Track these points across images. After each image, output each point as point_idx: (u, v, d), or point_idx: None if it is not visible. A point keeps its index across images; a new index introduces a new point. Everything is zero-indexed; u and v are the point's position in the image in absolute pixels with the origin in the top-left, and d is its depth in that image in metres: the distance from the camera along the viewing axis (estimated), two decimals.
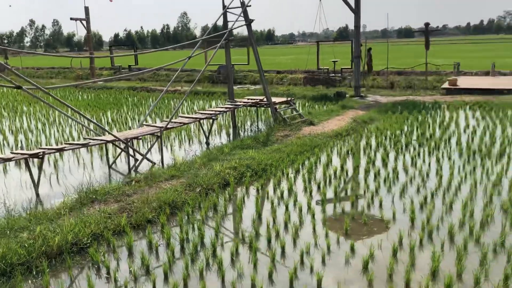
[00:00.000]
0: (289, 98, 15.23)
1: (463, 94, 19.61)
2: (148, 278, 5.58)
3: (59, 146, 9.16)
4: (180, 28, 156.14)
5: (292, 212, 7.48)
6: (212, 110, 13.22)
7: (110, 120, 16.73)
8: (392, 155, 10.59)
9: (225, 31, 13.53)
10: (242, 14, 13.58)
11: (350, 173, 9.47)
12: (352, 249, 6.07)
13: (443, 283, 5.08)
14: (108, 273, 5.77)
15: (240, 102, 14.35)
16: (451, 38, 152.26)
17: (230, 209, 7.78)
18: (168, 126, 11.19)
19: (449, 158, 10.14)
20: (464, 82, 21.23)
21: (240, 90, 25.53)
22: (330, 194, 8.22)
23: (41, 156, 8.76)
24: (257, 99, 14.59)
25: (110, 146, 11.55)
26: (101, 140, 9.89)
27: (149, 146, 12.50)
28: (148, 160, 10.73)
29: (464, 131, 12.75)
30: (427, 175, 9.06)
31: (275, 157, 10.38)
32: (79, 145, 9.47)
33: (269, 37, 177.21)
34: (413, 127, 13.43)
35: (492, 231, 6.43)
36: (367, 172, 9.37)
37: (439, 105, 17.23)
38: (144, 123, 11.81)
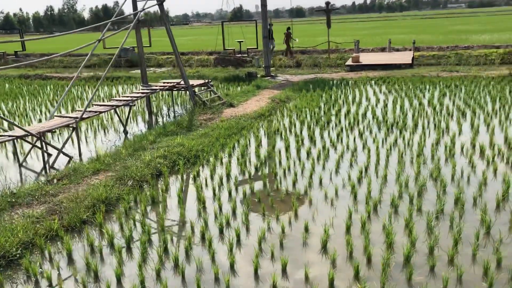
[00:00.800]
0: (206, 80, 14.85)
1: (366, 70, 20.69)
2: (99, 286, 5.08)
3: None
4: (66, 10, 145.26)
5: (235, 197, 7.30)
6: (128, 96, 12.44)
7: (6, 113, 15.06)
8: (317, 132, 10.81)
9: (136, 11, 12.69)
10: None
11: (284, 153, 9.48)
12: (307, 229, 6.08)
13: (401, 254, 5.28)
14: (50, 285, 5.15)
15: (156, 86, 13.67)
16: (340, 16, 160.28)
17: (171, 201, 7.37)
18: (84, 116, 10.30)
19: (370, 132, 10.61)
20: (365, 58, 22.41)
21: (136, 74, 24.43)
22: (265, 175, 8.17)
23: None
24: (174, 83, 14.02)
25: (18, 142, 10.38)
26: (10, 135, 8.81)
27: (62, 139, 11.47)
28: (65, 154, 9.82)
29: (376, 105, 13.42)
30: (355, 149, 9.38)
31: (204, 142, 10.07)
32: None
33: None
34: (329, 104, 13.85)
35: (430, 199, 6.83)
36: (299, 151, 9.45)
37: (347, 82, 17.98)
38: (55, 114, 10.74)
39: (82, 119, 10.28)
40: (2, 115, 13.97)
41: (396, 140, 9.83)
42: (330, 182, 7.74)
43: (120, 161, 9.06)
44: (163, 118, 13.79)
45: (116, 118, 13.52)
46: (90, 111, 10.63)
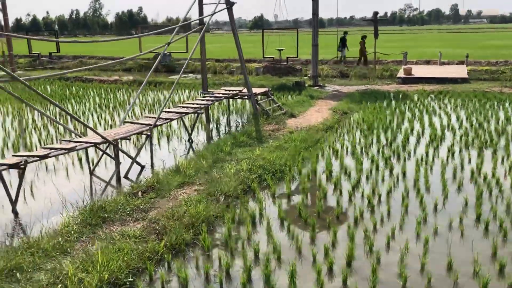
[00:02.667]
0: (267, 89, 14.20)
1: (419, 83, 19.88)
2: None
3: (42, 152, 7.39)
4: (91, 14, 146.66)
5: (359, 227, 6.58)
6: (194, 103, 11.82)
7: (58, 116, 14.60)
8: (399, 147, 10.03)
9: (206, 15, 12.11)
10: None
11: (373, 171, 8.73)
12: None
13: None
14: None
15: (219, 93, 13.05)
16: (359, 28, 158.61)
17: (274, 222, 6.65)
18: (157, 123, 9.70)
19: (460, 151, 9.81)
20: (417, 71, 21.60)
21: (185, 79, 23.97)
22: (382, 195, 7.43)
23: (22, 166, 6.97)
24: (236, 90, 13.40)
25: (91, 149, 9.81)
26: (87, 142, 8.22)
27: (126, 146, 10.90)
28: (138, 163, 9.22)
29: (448, 120, 12.59)
30: (456, 169, 8.59)
31: (284, 155, 9.35)
32: (64, 150, 7.74)
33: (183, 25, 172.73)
34: (398, 117, 13.07)
35: None
36: (388, 166, 8.69)
37: (404, 94, 17.19)
38: (125, 120, 10.16)
39: (155, 126, 9.68)
40: (55, 118, 13.48)
41: (500, 160, 9.01)
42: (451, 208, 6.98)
43: (202, 173, 8.42)
44: (221, 127, 13.15)
45: (175, 125, 12.93)
46: (160, 118, 10.00)
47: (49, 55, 35.66)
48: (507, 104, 14.66)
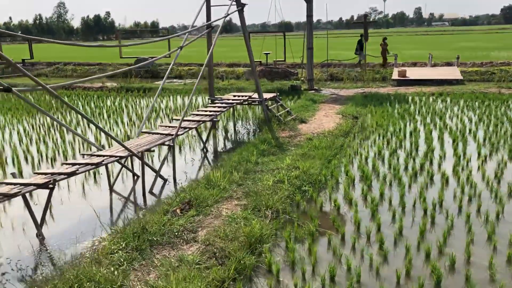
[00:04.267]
0: (275, 94, 13.69)
1: (414, 85, 19.81)
2: None
3: (67, 169, 6.64)
4: (55, 19, 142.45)
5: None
6: (207, 111, 11.18)
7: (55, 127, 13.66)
8: (424, 150, 9.72)
9: (218, 18, 11.49)
10: None
11: (407, 176, 8.34)
12: None
13: None
14: None
15: (228, 99, 12.44)
16: (330, 32, 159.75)
17: (335, 240, 6.14)
18: (178, 132, 9.04)
19: (490, 154, 9.56)
20: (411, 73, 21.54)
21: (174, 85, 23.23)
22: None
23: (51, 186, 6.22)
24: (246, 96, 12.83)
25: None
26: (112, 155, 7.50)
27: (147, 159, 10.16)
28: (161, 177, 8.54)
29: (461, 124, 12.41)
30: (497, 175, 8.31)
31: (314, 164, 8.85)
32: (92, 165, 7.00)
33: (153, 30, 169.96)
34: (415, 120, 12.82)
35: None
36: (424, 172, 8.34)
37: (404, 96, 17.02)
38: (142, 130, 9.44)
39: (177, 135, 9.01)
40: (73, 130, 12.62)
41: None
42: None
43: (236, 185, 7.83)
44: (227, 135, 12.56)
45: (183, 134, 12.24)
46: (180, 127, 9.32)
47: (22, 61, 34.07)
48: None
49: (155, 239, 5.79)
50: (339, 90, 20.07)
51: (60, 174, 6.42)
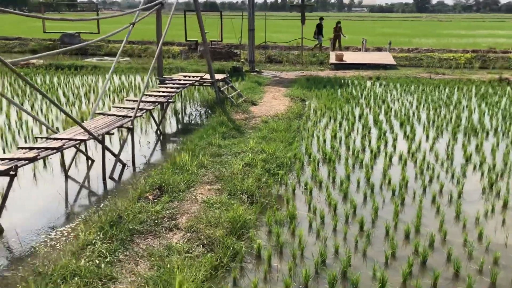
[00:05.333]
0: (225, 75, 13.44)
1: (351, 69, 20.46)
2: None
3: (30, 154, 6.02)
4: None
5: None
6: (160, 91, 10.71)
7: None
8: (389, 134, 10.12)
9: None
10: None
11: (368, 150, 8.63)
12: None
13: None
14: None
15: (179, 80, 11.99)
16: (271, 13, 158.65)
17: (315, 220, 6.17)
18: (136, 114, 8.58)
19: (453, 135, 10.16)
20: (348, 57, 22.16)
21: (101, 63, 22.06)
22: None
23: (13, 173, 5.62)
24: (198, 76, 12.45)
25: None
26: (72, 139, 6.94)
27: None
28: (120, 161, 8.09)
29: (411, 105, 13.05)
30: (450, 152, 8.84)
31: (277, 147, 8.84)
32: (53, 149, 6.43)
33: (71, 4, 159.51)
34: (359, 103, 13.24)
35: None
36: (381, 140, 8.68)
37: (344, 80, 17.53)
38: (96, 111, 8.83)
39: (136, 117, 8.55)
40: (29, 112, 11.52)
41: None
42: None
43: (204, 170, 7.62)
44: (178, 117, 12.20)
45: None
46: (136, 109, 8.84)
47: None
48: (446, 89, 15.61)
49: (135, 227, 5.48)
50: (280, 72, 20.22)
51: (20, 159, 5.83)
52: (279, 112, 11.95)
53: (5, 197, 5.79)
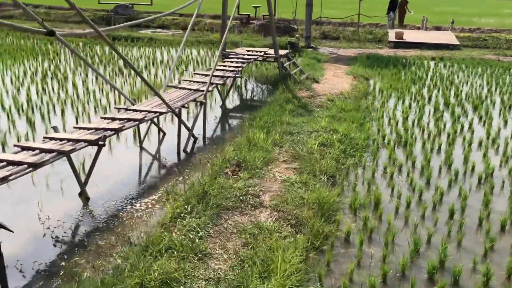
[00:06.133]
0: (287, 51, 13.16)
1: (411, 48, 19.66)
2: None
3: (115, 125, 6.05)
4: None
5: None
6: (226, 66, 10.57)
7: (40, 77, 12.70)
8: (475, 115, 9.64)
9: None
10: None
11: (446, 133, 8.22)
12: None
13: None
14: None
15: (243, 54, 11.80)
16: None
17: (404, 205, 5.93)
18: (208, 88, 8.50)
19: None
20: (407, 35, 21.29)
21: (156, 35, 22.10)
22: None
23: (102, 143, 5.67)
24: (261, 51, 12.23)
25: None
26: (151, 111, 6.94)
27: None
28: (193, 136, 8.06)
29: (482, 87, 12.41)
30: None
31: (350, 127, 8.55)
32: (135, 121, 6.45)
33: None
34: (425, 84, 12.68)
35: None
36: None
37: (406, 59, 16.85)
38: (168, 84, 8.81)
39: (208, 91, 8.48)
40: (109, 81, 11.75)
41: None
42: None
43: (276, 147, 7.48)
44: (241, 92, 12.06)
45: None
46: (208, 83, 8.72)
47: None
48: None
49: (222, 203, 5.42)
50: (337, 49, 19.68)
51: (106, 130, 5.85)
52: (343, 91, 11.61)
53: (92, 166, 5.85)
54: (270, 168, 6.69)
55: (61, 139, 5.44)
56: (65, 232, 5.19)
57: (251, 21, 24.52)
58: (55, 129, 5.76)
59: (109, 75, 12.93)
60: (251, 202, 5.57)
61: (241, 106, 10.96)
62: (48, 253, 4.80)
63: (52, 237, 5.10)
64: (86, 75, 12.80)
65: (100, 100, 10.32)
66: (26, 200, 5.86)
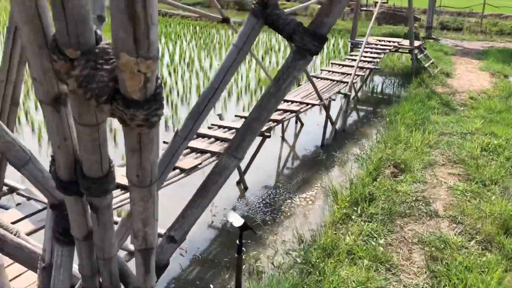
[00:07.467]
0: (420, 42, 12.36)
1: None
2: None
3: (274, 116, 5.92)
4: None
5: None
6: (362, 56, 10.07)
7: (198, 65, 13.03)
8: None
9: None
10: None
11: None
12: None
13: None
14: None
15: (376, 44, 11.22)
16: None
17: None
18: (352, 79, 8.12)
19: None
20: None
21: None
22: None
23: (268, 134, 5.54)
24: (395, 41, 11.59)
25: None
26: (308, 103, 6.73)
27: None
28: (335, 129, 7.75)
29: None
30: None
31: (508, 132, 7.72)
32: (292, 112, 6.31)
33: None
34: None
35: None
36: None
37: None
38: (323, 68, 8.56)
39: (353, 83, 8.12)
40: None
41: None
42: None
43: (430, 148, 6.93)
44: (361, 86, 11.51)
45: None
46: (353, 74, 8.28)
47: None
48: None
49: (394, 208, 5.06)
50: (461, 41, 18.28)
51: (269, 120, 5.71)
52: (484, 88, 10.65)
53: (253, 156, 5.75)
54: (429, 172, 6.19)
55: (230, 128, 5.38)
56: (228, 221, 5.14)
57: (361, 8, 23.57)
58: (220, 116, 5.73)
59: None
60: (423, 210, 5.15)
61: (373, 99, 10.46)
62: (216, 242, 4.77)
63: (217, 226, 5.07)
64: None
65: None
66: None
